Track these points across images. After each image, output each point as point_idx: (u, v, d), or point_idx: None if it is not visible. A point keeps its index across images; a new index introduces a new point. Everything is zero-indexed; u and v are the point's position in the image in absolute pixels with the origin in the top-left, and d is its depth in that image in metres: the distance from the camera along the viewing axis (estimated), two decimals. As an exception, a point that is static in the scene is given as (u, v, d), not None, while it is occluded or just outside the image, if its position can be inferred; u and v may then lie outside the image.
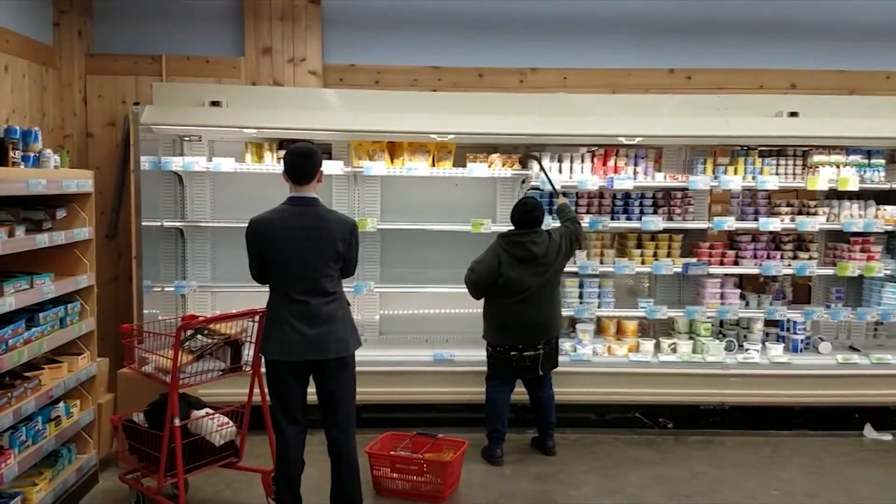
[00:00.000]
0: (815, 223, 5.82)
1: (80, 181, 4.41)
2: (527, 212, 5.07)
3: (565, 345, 5.80)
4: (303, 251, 3.88)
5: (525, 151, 5.84)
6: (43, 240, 4.03)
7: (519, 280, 4.99)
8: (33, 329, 3.99)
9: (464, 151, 5.95)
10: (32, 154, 4.10)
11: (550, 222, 5.56)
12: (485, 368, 5.38)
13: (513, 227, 5.14)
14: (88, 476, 4.63)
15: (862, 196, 5.98)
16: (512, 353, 5.10)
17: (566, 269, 5.60)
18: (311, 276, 3.89)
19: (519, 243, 5.01)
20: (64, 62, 6.08)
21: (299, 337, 3.87)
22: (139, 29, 6.24)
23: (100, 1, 6.25)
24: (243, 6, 6.25)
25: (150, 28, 6.24)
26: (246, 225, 6.01)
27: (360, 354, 5.83)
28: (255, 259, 4.01)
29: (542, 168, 5.65)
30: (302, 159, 3.95)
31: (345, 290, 4.14)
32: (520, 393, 5.37)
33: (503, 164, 5.83)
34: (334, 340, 3.91)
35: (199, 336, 4.21)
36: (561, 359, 5.54)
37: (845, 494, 4.81)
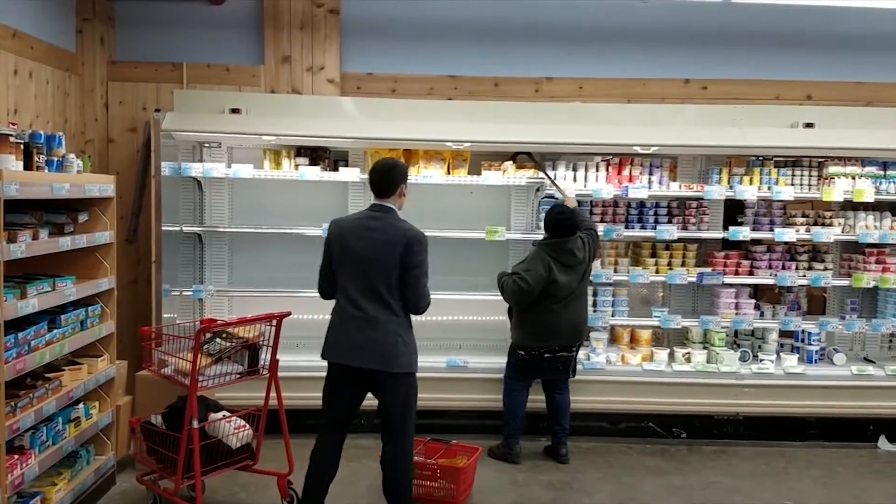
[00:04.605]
0: (830, 234, 5.82)
1: (102, 185, 4.48)
2: (566, 219, 5.18)
3: (579, 353, 5.82)
4: (361, 256, 3.86)
5: (526, 156, 5.84)
6: (65, 243, 4.10)
7: (567, 284, 5.10)
8: (55, 331, 4.05)
9: (479, 159, 5.99)
10: (56, 158, 4.16)
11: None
12: (498, 375, 5.41)
13: (547, 235, 5.21)
14: (106, 477, 4.69)
15: (877, 207, 5.98)
16: (546, 356, 5.15)
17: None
18: (368, 281, 3.85)
19: (567, 250, 5.12)
20: (86, 69, 6.17)
21: (346, 341, 3.88)
22: (160, 37, 6.33)
23: (122, 9, 6.34)
24: (263, 16, 6.33)
25: (171, 36, 6.33)
26: (263, 231, 6.13)
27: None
28: (325, 261, 4.02)
29: (545, 173, 5.71)
30: (378, 175, 3.98)
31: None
32: (533, 400, 5.39)
33: (515, 171, 5.86)
34: (377, 353, 3.84)
35: (217, 339, 4.27)
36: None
37: (860, 506, 4.80)
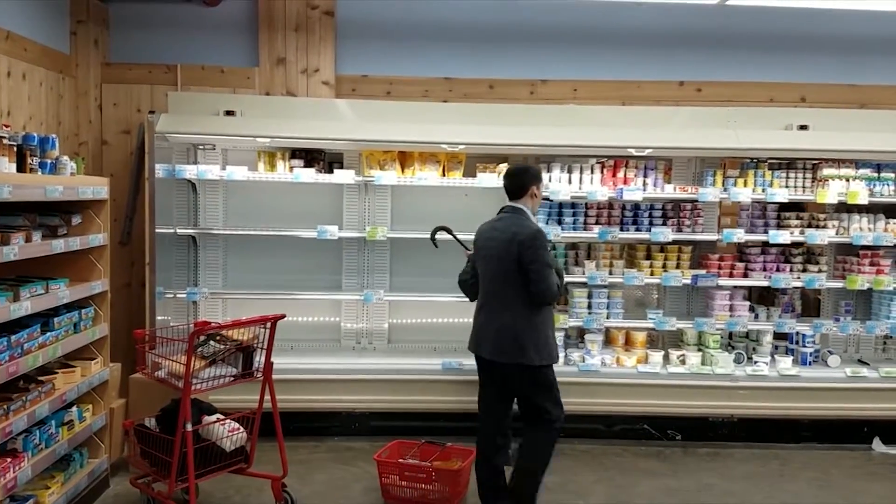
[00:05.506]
0: (824, 236, 5.83)
1: (96, 188, 4.47)
2: None
3: (574, 355, 5.83)
4: (490, 255, 4.24)
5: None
6: (59, 245, 4.09)
7: None
8: (48, 333, 4.04)
9: (474, 161, 6.00)
10: (49, 161, 4.15)
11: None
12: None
13: None
14: (100, 480, 4.67)
15: (871, 210, 5.99)
16: None
17: (574, 280, 5.65)
18: (493, 278, 4.22)
19: None
20: (80, 71, 6.16)
21: (475, 333, 4.33)
22: (155, 39, 6.32)
23: (116, 10, 6.33)
24: (258, 17, 6.33)
25: (165, 38, 6.33)
26: (258, 233, 6.13)
27: (369, 363, 5.88)
28: (470, 260, 4.50)
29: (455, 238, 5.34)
30: (508, 179, 4.35)
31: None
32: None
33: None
34: (493, 344, 4.18)
35: (211, 342, 4.26)
36: (570, 369, 5.58)
37: (854, 508, 4.81)
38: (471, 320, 6.22)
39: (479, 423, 4.43)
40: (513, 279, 4.11)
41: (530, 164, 4.55)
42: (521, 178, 4.28)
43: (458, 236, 5.28)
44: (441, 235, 5.48)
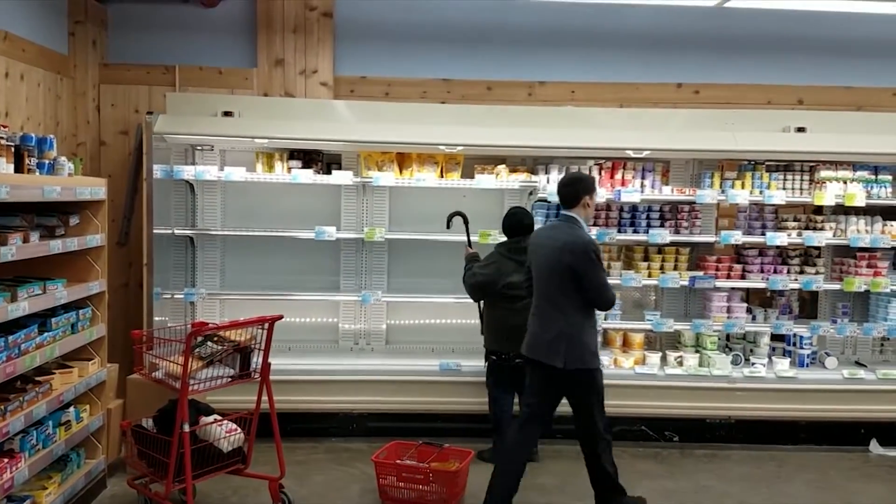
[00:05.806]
0: (821, 238, 5.84)
1: (94, 189, 4.46)
2: (519, 220, 5.20)
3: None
4: (541, 262, 4.33)
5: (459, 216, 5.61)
6: (56, 246, 4.09)
7: (521, 285, 5.03)
8: (45, 334, 4.03)
9: (472, 162, 6.00)
10: (47, 161, 4.15)
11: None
12: (491, 378, 5.42)
13: (506, 238, 5.27)
14: (97, 481, 4.66)
15: (869, 212, 6.00)
16: (517, 361, 5.12)
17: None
18: (544, 283, 4.30)
19: (522, 248, 5.05)
20: (78, 71, 6.15)
21: (530, 336, 4.38)
22: (153, 39, 6.32)
23: (114, 11, 6.33)
24: (256, 18, 6.33)
25: (163, 39, 6.33)
26: (255, 234, 6.13)
27: (367, 364, 5.87)
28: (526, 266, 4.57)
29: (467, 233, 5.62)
30: (562, 188, 4.43)
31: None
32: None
33: (508, 175, 5.87)
34: (543, 347, 4.26)
35: (208, 343, 4.26)
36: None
37: (851, 509, 4.81)
38: (469, 321, 6.29)
39: (514, 429, 4.48)
40: (565, 286, 4.19)
41: (585, 173, 4.75)
42: (574, 188, 4.34)
43: (469, 229, 5.54)
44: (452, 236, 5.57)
